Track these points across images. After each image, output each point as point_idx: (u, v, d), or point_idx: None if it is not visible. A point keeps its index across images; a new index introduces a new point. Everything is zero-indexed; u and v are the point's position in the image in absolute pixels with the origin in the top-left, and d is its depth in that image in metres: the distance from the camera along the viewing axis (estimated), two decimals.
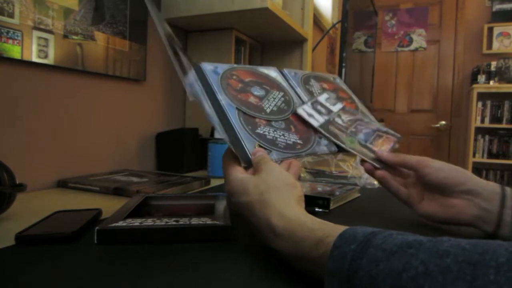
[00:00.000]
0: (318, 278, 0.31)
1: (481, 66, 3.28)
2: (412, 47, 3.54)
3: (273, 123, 0.53)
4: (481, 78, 3.26)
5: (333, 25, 2.10)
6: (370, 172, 0.57)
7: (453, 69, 3.45)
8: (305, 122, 0.57)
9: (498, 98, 3.20)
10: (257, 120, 0.52)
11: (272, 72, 0.63)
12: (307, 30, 1.33)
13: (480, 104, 3.22)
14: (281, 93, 0.59)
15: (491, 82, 3.22)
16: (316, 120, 0.58)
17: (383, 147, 0.59)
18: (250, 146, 0.47)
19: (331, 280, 0.28)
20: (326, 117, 0.59)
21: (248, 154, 0.46)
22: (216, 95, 0.51)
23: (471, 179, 0.48)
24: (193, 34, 1.22)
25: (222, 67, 0.57)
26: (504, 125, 3.18)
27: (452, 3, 3.43)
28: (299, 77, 0.66)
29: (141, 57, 1.01)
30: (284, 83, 0.62)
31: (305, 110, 0.58)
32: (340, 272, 0.28)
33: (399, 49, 3.56)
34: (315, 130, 0.57)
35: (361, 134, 0.61)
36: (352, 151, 0.57)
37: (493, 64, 3.23)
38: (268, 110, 0.54)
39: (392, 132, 0.64)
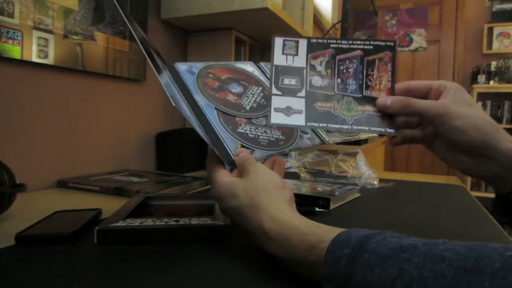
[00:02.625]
0: (314, 281, 0.31)
1: (481, 66, 3.28)
2: (412, 47, 3.54)
3: (253, 120, 0.52)
4: (481, 78, 3.26)
5: (333, 25, 2.10)
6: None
7: (453, 69, 3.45)
8: None
9: (498, 98, 3.21)
10: (237, 119, 0.50)
11: (249, 67, 0.61)
12: (307, 30, 1.33)
13: (480, 104, 3.22)
14: (260, 88, 0.57)
15: (491, 82, 3.22)
16: (296, 118, 0.49)
17: (383, 83, 0.48)
18: (232, 146, 0.46)
19: (327, 284, 0.28)
20: (302, 93, 0.50)
21: (231, 155, 0.45)
22: (193, 96, 0.50)
23: (491, 142, 0.41)
24: (193, 34, 1.22)
25: (196, 66, 0.55)
26: (504, 125, 3.18)
27: (452, 3, 3.44)
28: None
29: (141, 57, 1.01)
30: (261, 77, 0.60)
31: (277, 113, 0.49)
32: (335, 277, 0.28)
33: (399, 49, 3.56)
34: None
35: (350, 83, 0.50)
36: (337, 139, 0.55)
37: (493, 64, 3.23)
38: (247, 108, 0.53)
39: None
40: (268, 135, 0.51)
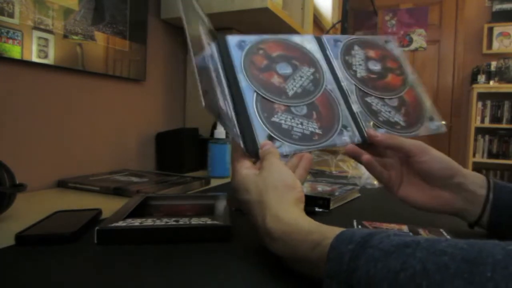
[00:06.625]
0: (316, 280, 0.31)
1: (481, 66, 3.28)
2: (412, 47, 3.54)
3: (292, 109, 0.48)
4: (481, 78, 3.26)
5: (333, 25, 2.09)
6: (353, 156, 0.53)
7: (453, 69, 3.45)
8: (332, 106, 0.51)
9: (498, 98, 3.20)
10: (275, 105, 0.47)
11: (307, 43, 0.55)
12: (307, 30, 1.33)
13: (480, 104, 3.22)
14: (311, 70, 0.53)
15: (491, 82, 3.22)
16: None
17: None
18: (261, 137, 0.44)
19: (330, 281, 0.28)
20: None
21: (258, 146, 0.44)
22: (236, 75, 0.47)
23: (460, 171, 0.48)
24: None
25: (250, 40, 0.51)
26: (504, 125, 3.18)
27: (452, 3, 3.44)
28: (340, 46, 0.58)
29: (141, 57, 1.01)
30: (318, 55, 0.55)
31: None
32: (338, 273, 0.28)
33: None
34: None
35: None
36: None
37: (493, 64, 3.23)
38: (290, 93, 0.49)
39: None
40: (304, 127, 0.47)
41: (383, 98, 0.55)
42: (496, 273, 0.22)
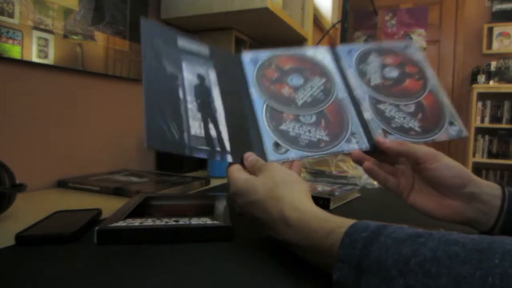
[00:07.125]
0: (327, 270, 0.31)
1: (481, 66, 3.28)
2: None
3: (301, 118, 0.50)
4: (481, 78, 3.26)
5: (333, 25, 2.10)
6: (357, 161, 0.52)
7: (453, 69, 3.45)
8: (341, 114, 0.51)
9: (498, 98, 3.20)
10: (284, 115, 0.49)
11: (319, 55, 0.56)
12: (307, 30, 1.33)
13: (480, 104, 3.22)
14: (323, 80, 0.53)
15: (491, 82, 3.22)
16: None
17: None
18: (268, 144, 0.47)
19: (341, 265, 0.29)
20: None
21: (266, 153, 0.47)
22: (248, 89, 0.50)
23: (473, 180, 0.46)
24: (193, 34, 1.21)
25: (262, 56, 0.54)
26: (504, 125, 3.18)
27: (452, 3, 3.44)
28: (354, 55, 0.57)
29: (141, 58, 1.01)
30: (331, 65, 0.55)
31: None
32: (350, 257, 0.28)
33: None
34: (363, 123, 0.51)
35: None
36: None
37: (493, 64, 3.23)
38: (300, 103, 0.51)
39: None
40: (311, 134, 0.49)
41: (398, 105, 0.54)
42: (504, 259, 0.23)
